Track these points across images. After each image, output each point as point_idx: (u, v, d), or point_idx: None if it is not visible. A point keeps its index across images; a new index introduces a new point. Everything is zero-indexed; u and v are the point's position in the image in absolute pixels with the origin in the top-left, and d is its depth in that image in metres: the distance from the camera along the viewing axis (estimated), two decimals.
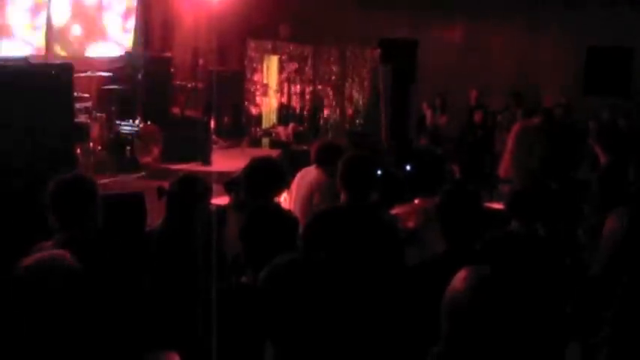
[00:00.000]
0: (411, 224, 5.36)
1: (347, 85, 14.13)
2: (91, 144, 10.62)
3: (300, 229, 5.36)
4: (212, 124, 12.14)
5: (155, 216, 5.44)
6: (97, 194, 3.40)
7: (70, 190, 3.33)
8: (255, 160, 4.77)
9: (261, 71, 14.36)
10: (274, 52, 14.36)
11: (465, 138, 12.55)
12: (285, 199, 6.08)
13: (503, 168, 8.79)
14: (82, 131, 10.21)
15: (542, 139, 8.76)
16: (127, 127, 11.32)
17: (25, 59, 9.71)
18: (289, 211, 4.61)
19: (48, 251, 2.85)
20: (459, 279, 2.23)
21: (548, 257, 4.06)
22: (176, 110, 12.81)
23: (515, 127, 8.93)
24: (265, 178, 4.57)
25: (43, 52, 11.10)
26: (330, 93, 14.19)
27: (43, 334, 2.58)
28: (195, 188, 4.31)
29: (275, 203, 4.54)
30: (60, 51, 11.63)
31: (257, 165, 4.66)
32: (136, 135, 11.16)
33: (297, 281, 2.26)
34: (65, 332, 2.60)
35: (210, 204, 4.65)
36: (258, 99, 14.37)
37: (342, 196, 4.18)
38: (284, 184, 4.86)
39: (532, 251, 4.02)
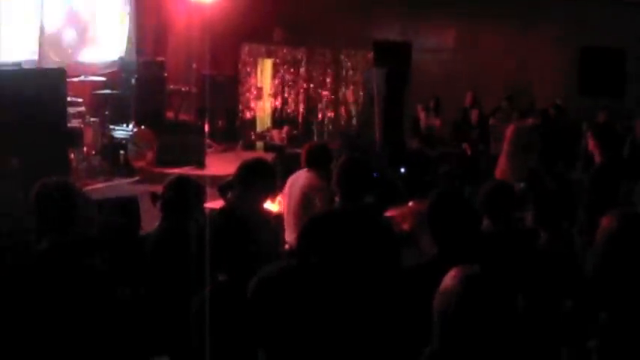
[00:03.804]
0: (405, 226, 5.36)
1: (341, 87, 14.14)
2: (85, 149, 10.58)
3: (289, 232, 5.37)
4: (206, 128, 12.12)
5: (149, 220, 5.43)
6: (79, 199, 3.37)
7: (53, 193, 3.30)
8: (245, 160, 4.73)
9: (255, 75, 14.36)
10: (268, 55, 14.37)
11: (459, 136, 12.48)
12: (279, 202, 6.08)
13: (500, 170, 8.77)
14: (76, 136, 10.17)
15: (537, 139, 8.74)
16: (120, 131, 11.29)
17: (18, 64, 9.68)
18: (242, 209, 4.45)
19: None
20: (449, 278, 2.25)
21: (530, 254, 4.10)
22: (170, 114, 12.78)
23: (510, 129, 8.91)
24: (252, 178, 4.51)
25: (36, 58, 11.07)
26: (324, 96, 14.20)
27: None
28: (189, 191, 4.29)
29: (230, 202, 4.52)
30: (53, 56, 11.60)
31: (245, 165, 4.61)
32: (130, 139, 11.12)
33: (289, 289, 2.23)
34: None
35: (204, 207, 4.64)
36: (252, 103, 14.37)
37: (337, 199, 4.19)
38: (272, 185, 4.76)
39: (512, 248, 4.05)
